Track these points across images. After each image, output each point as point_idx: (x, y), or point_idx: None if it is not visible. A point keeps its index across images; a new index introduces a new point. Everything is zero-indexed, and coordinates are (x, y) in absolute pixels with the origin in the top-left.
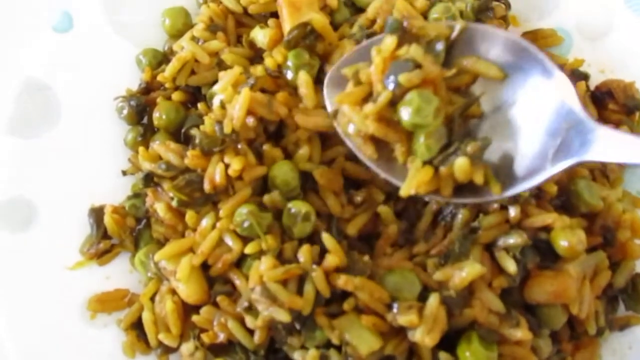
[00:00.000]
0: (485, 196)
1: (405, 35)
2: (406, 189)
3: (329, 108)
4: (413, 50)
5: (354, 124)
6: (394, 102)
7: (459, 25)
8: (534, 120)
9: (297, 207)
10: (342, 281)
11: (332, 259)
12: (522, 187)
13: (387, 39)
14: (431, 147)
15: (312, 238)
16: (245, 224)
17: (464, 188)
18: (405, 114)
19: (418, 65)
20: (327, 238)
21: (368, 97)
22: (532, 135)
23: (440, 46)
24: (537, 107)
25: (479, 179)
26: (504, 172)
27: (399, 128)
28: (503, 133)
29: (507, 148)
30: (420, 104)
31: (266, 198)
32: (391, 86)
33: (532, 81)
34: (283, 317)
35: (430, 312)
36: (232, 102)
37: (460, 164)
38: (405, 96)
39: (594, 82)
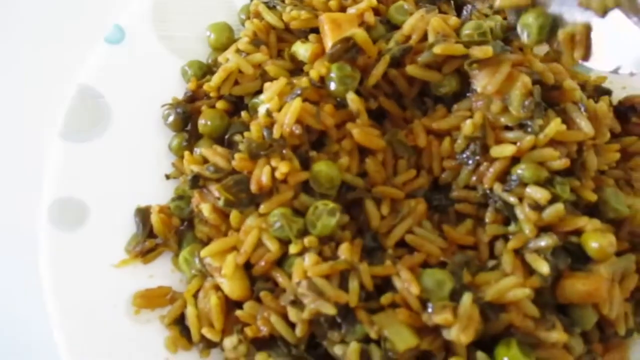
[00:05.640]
0: None
1: None
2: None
3: None
4: None
5: None
6: None
7: None
8: None
9: (325, 204)
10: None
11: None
12: None
13: None
14: None
15: None
16: (277, 225)
17: None
18: None
19: None
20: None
21: None
22: None
23: None
24: None
25: None
26: None
27: None
28: None
29: None
30: None
31: (296, 202)
32: None
33: None
34: (329, 310)
35: (464, 311)
36: (280, 110)
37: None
38: None
39: (616, 98)
